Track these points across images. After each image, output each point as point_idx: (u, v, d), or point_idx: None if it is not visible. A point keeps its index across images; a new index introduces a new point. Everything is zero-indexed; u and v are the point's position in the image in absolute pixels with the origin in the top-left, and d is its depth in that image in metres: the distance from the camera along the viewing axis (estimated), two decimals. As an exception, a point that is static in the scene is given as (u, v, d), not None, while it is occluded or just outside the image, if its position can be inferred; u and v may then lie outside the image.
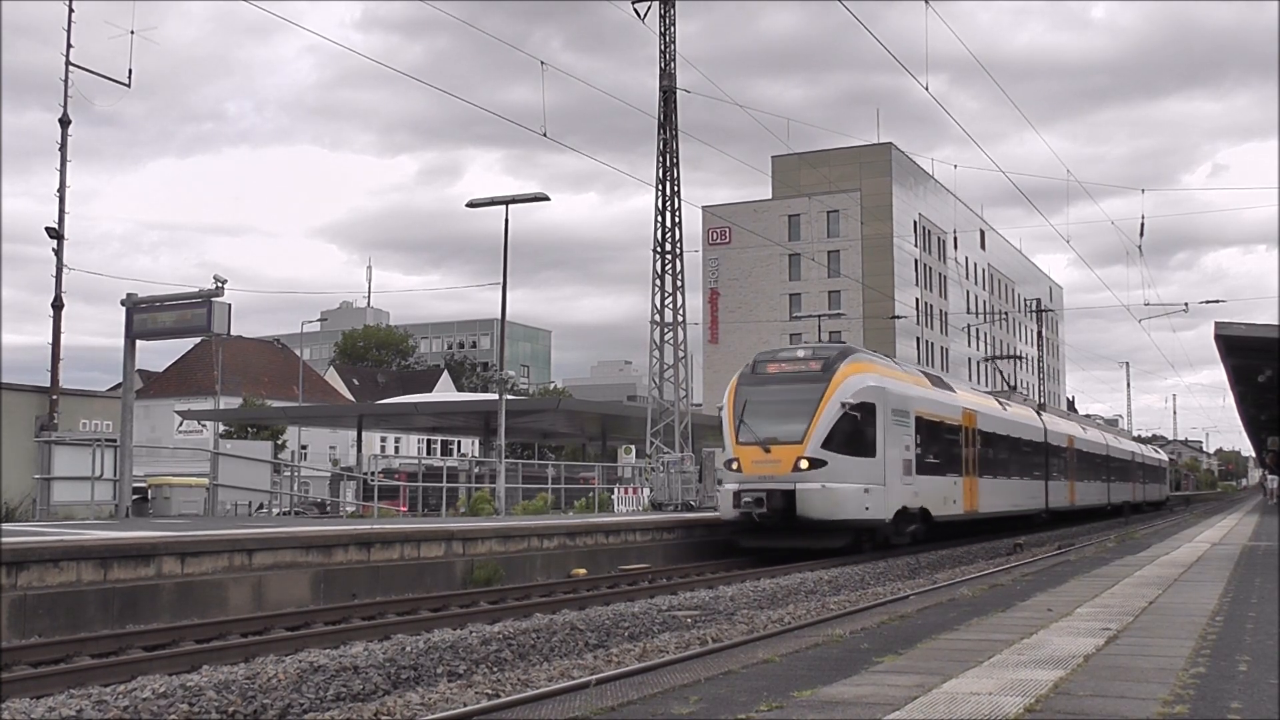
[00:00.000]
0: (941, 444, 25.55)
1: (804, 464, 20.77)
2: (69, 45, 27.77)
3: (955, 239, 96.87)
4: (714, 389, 71.46)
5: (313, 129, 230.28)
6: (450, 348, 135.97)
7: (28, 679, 8.71)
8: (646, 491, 32.26)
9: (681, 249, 35.31)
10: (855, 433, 21.41)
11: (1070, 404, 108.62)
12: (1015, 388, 54.09)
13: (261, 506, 28.45)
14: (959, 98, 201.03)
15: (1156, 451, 76.73)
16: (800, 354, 23.11)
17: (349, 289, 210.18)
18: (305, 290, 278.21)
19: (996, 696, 6.03)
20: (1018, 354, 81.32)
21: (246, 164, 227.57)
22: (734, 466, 21.77)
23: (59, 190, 27.41)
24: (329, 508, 33.94)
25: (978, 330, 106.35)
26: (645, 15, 34.73)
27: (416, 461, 46.89)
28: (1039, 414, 38.52)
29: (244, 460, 27.80)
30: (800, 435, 21.05)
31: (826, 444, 20.96)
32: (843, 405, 21.05)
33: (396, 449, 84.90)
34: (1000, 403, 33.74)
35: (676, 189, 34.93)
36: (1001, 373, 57.09)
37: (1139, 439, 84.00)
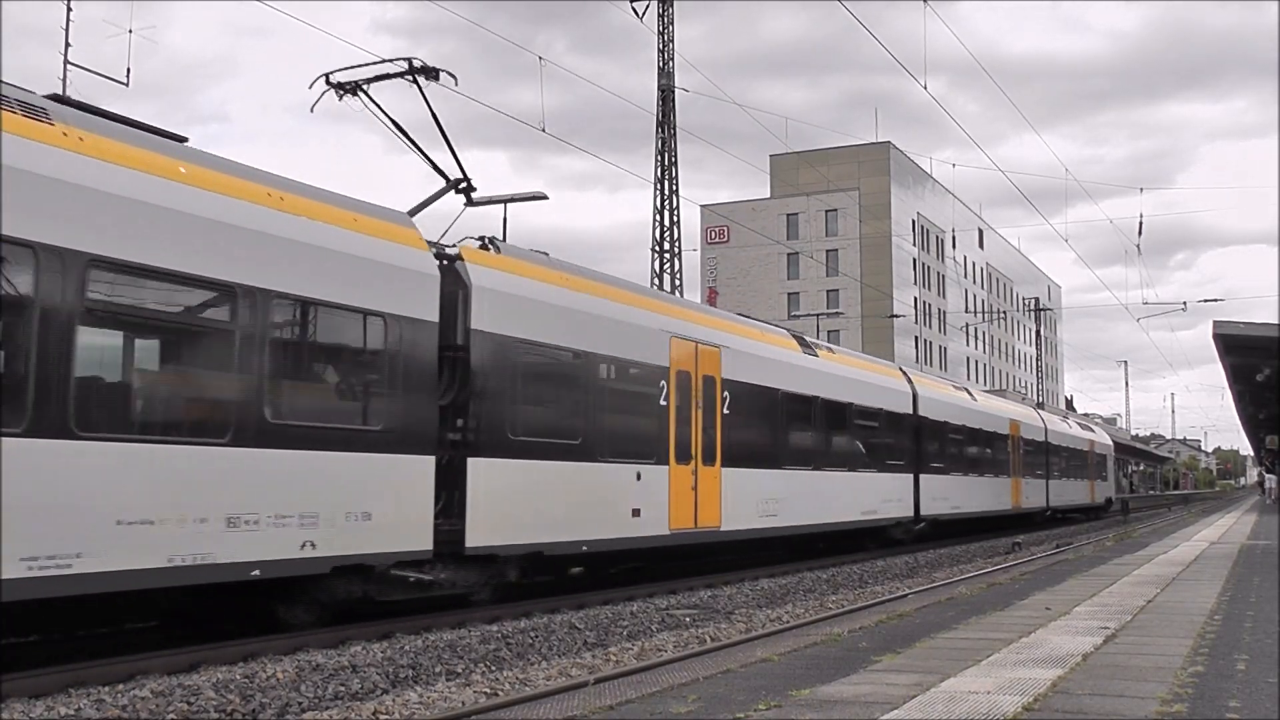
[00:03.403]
0: None
1: None
2: (67, 45, 27.76)
3: (954, 238, 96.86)
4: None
5: (318, 131, 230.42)
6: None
7: (27, 678, 8.69)
8: None
9: (680, 248, 35.41)
10: None
11: (1069, 403, 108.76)
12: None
13: None
14: (959, 99, 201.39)
15: (1091, 429, 51.41)
16: None
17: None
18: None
19: (995, 695, 6.03)
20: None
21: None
22: None
23: (57, 189, 27.42)
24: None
25: (976, 329, 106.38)
26: (644, 15, 34.81)
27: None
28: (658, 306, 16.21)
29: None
30: None
31: None
32: None
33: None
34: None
35: (675, 188, 35.02)
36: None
37: (1077, 415, 63.62)
